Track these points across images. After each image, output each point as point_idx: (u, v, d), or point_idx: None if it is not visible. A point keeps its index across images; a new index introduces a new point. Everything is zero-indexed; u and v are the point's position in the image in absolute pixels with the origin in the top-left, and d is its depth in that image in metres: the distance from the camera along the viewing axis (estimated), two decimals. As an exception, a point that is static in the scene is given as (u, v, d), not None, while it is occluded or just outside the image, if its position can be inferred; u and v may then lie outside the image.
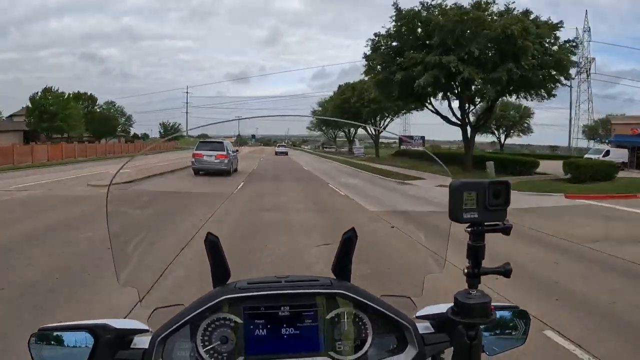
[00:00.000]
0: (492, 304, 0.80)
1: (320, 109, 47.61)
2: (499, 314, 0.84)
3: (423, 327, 0.86)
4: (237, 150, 17.73)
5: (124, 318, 0.86)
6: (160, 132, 63.77)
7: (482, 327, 0.69)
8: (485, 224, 0.67)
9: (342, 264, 0.84)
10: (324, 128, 53.11)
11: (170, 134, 59.14)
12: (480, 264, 0.68)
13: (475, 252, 0.67)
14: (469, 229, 0.67)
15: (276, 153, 39.57)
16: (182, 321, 0.77)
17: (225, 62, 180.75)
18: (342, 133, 50.75)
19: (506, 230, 0.68)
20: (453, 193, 0.65)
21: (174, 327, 0.77)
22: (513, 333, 0.87)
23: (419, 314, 0.89)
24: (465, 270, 0.69)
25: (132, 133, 60.78)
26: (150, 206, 8.21)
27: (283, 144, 53.07)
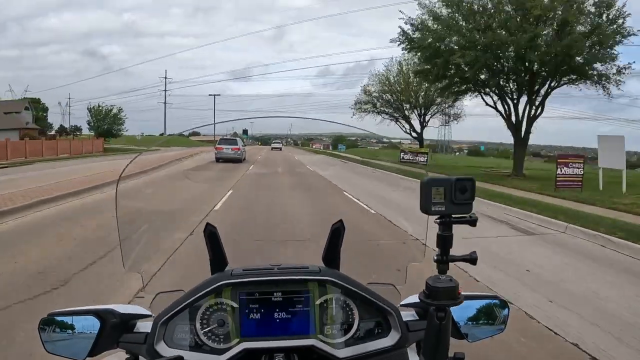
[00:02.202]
0: (474, 293, 0.91)
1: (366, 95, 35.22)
2: (479, 303, 0.92)
3: (408, 314, 0.91)
4: (245, 145, 23.20)
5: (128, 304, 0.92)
6: (89, 122, 42.83)
7: (450, 309, 0.71)
8: (453, 216, 0.71)
9: (331, 253, 0.90)
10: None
11: (101, 120, 41.52)
12: (449, 251, 0.72)
13: (444, 241, 0.71)
14: (438, 220, 0.72)
15: (272, 148, 49.75)
16: (182, 305, 0.83)
17: (227, 60, 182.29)
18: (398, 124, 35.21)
19: (472, 223, 0.72)
20: (423, 188, 0.70)
21: (175, 310, 0.83)
22: (494, 321, 0.92)
23: (404, 302, 0.94)
24: (435, 258, 0.73)
25: (54, 127, 44.50)
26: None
27: (277, 141, 61.96)
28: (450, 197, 0.70)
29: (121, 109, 42.33)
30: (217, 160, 19.92)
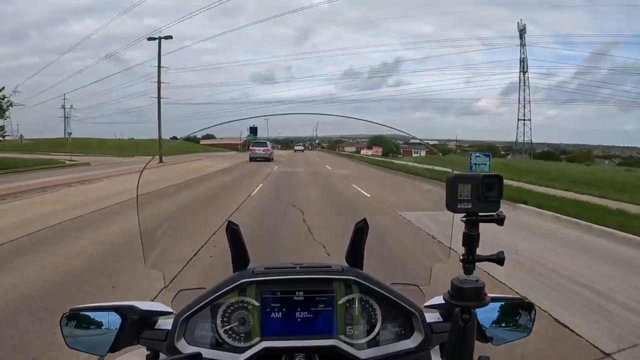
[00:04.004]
0: (500, 295, 0.88)
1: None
2: (504, 305, 0.89)
3: (432, 316, 0.89)
4: (273, 147, 27.25)
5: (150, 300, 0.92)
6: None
7: (475, 310, 0.70)
8: (480, 214, 0.69)
9: (355, 253, 0.89)
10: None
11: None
12: (475, 251, 0.70)
13: (470, 240, 0.70)
14: (464, 219, 0.70)
15: (295, 150, 51.99)
16: (204, 303, 0.82)
17: (250, 63, 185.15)
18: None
19: (500, 221, 0.70)
20: (449, 185, 0.69)
21: (196, 308, 0.82)
22: (519, 324, 0.90)
23: (428, 303, 0.92)
24: (461, 257, 0.71)
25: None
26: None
27: (300, 143, 62.54)
28: (477, 194, 0.68)
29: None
30: (251, 159, 24.51)
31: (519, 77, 58.75)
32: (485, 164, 12.05)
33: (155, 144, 33.62)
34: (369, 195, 9.83)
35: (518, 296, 0.94)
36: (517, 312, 0.90)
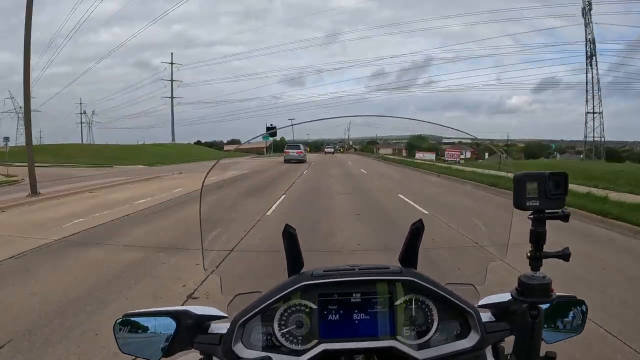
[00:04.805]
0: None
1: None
2: (557, 302, 0.86)
3: (484, 315, 0.89)
4: (306, 149, 29.58)
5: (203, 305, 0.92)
6: None
7: (543, 307, 0.71)
8: (546, 211, 0.71)
9: (410, 253, 0.88)
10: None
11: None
12: (542, 248, 0.72)
13: (537, 237, 0.71)
14: (532, 216, 0.72)
15: (325, 152, 53.28)
16: (262, 307, 0.82)
17: (278, 66, 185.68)
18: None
19: (565, 218, 0.71)
20: (516, 183, 0.70)
21: (254, 312, 0.82)
22: (571, 322, 0.90)
23: (480, 303, 0.92)
24: (528, 254, 0.72)
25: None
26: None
27: (330, 146, 62.51)
28: (545, 191, 0.70)
29: None
30: (285, 161, 26.23)
31: (586, 62, 47.68)
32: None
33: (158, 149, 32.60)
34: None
35: (569, 294, 0.95)
36: (569, 309, 0.91)
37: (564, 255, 0.72)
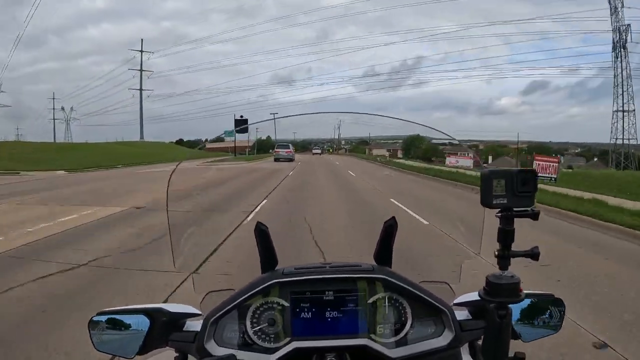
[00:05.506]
0: (530, 291, 0.86)
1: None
2: (533, 300, 0.88)
3: (461, 314, 0.89)
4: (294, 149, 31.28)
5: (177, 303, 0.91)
6: None
7: (511, 306, 0.71)
8: (515, 209, 0.70)
9: (383, 251, 0.88)
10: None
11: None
12: (510, 247, 0.71)
13: (505, 236, 0.70)
14: (499, 214, 0.71)
15: (313, 154, 53.53)
16: (233, 304, 0.82)
17: (267, 65, 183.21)
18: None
19: (534, 216, 0.70)
20: (483, 180, 0.69)
21: (225, 309, 0.82)
22: (548, 321, 0.89)
23: (456, 301, 0.92)
24: (496, 253, 0.71)
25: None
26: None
27: (317, 147, 63.09)
28: (512, 189, 0.69)
29: None
30: (275, 160, 27.81)
31: (612, 54, 40.68)
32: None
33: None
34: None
35: (547, 292, 0.95)
36: (546, 307, 0.90)
37: (533, 255, 0.72)
